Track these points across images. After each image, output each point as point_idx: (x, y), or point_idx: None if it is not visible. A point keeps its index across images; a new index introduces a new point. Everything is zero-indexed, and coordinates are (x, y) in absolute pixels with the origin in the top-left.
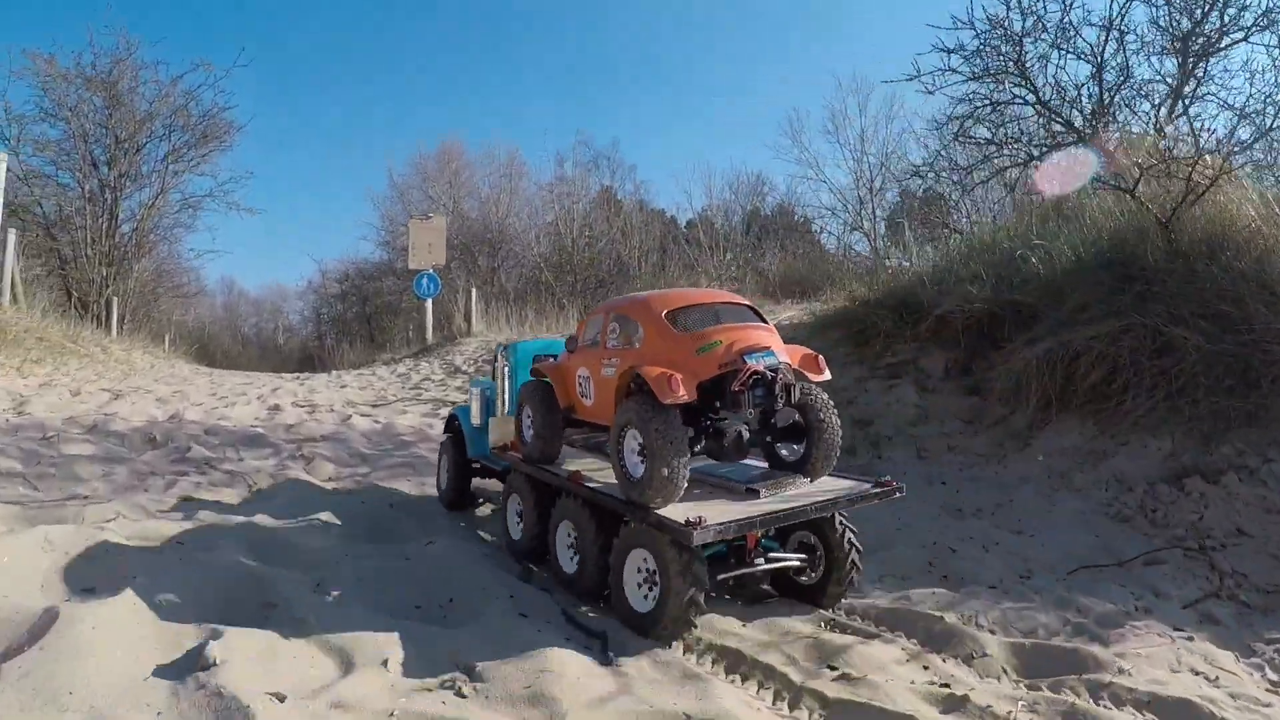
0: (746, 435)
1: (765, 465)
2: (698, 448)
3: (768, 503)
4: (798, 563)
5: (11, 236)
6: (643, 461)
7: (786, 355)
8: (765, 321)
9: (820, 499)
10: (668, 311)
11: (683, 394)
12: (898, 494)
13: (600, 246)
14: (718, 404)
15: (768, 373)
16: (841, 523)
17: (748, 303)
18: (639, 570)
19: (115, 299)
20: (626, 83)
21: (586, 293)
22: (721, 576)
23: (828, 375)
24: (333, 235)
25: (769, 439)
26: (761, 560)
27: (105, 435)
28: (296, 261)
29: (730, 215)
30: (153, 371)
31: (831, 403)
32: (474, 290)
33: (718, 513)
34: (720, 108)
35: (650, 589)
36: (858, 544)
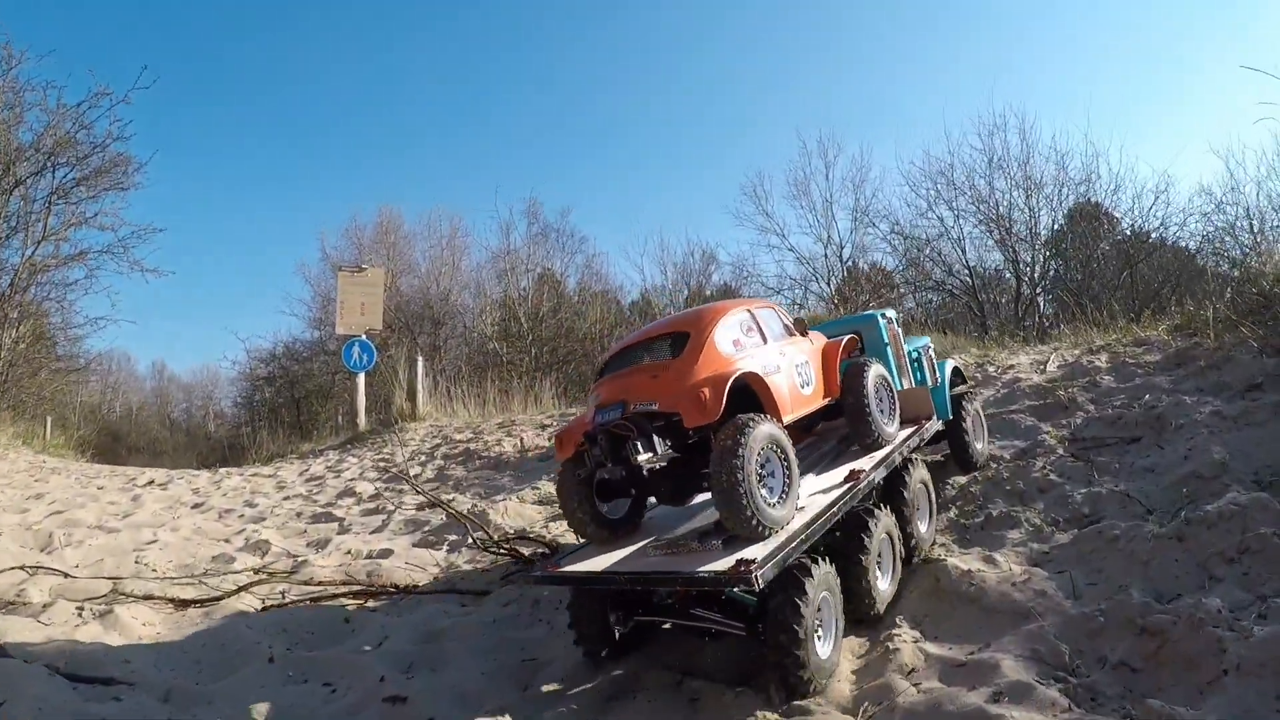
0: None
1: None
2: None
3: (625, 562)
4: (726, 628)
5: None
6: None
7: (662, 399)
8: (676, 349)
9: (640, 570)
10: (604, 360)
11: (563, 455)
12: (739, 585)
13: (557, 320)
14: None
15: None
16: (785, 602)
17: (675, 329)
18: None
19: None
20: (580, 147)
21: (554, 367)
22: (640, 618)
23: (707, 419)
24: (266, 313)
25: (634, 489)
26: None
27: None
28: (229, 343)
29: (677, 294)
30: None
31: (741, 448)
32: (420, 361)
33: (589, 562)
34: (682, 173)
35: None
36: (795, 631)
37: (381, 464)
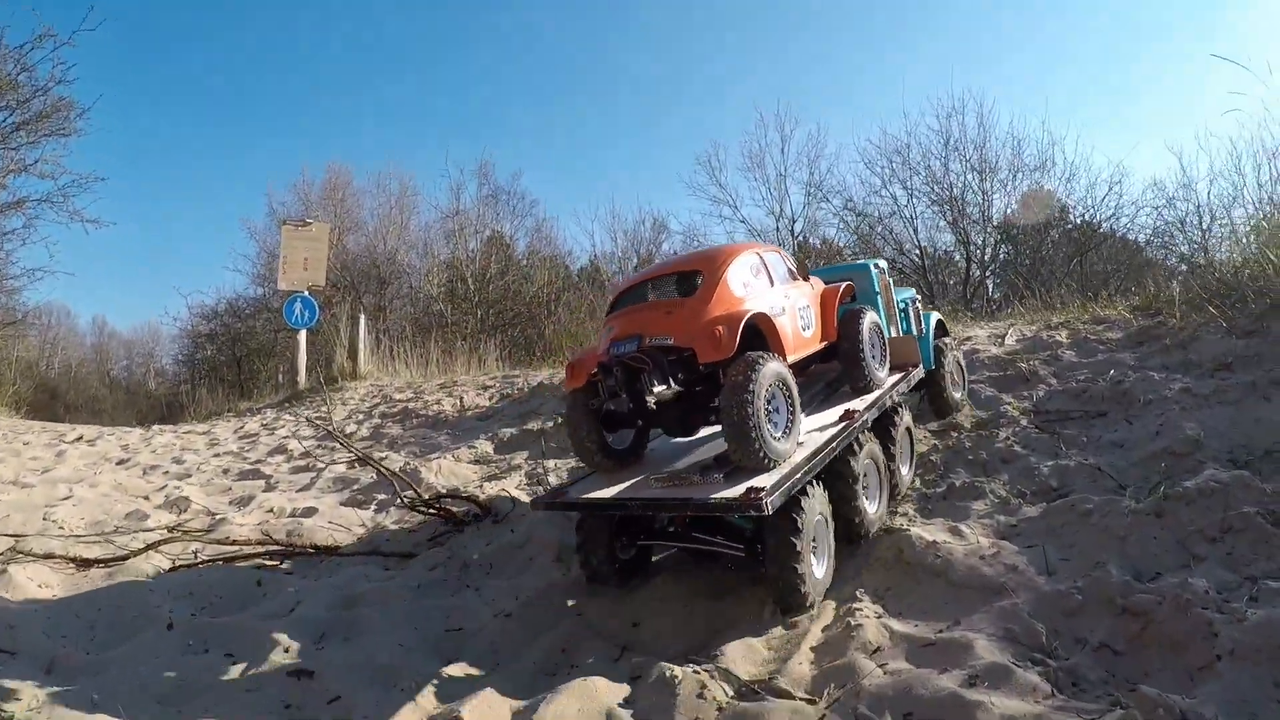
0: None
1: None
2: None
3: (631, 491)
4: (727, 550)
5: None
6: None
7: (677, 335)
8: (689, 286)
9: (655, 496)
10: (616, 295)
11: (573, 384)
12: (751, 511)
13: (504, 282)
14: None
15: (613, 363)
16: (785, 523)
17: (686, 267)
18: None
19: None
20: (536, 110)
21: (500, 329)
22: (642, 542)
23: (721, 355)
24: (210, 269)
25: (640, 420)
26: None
27: None
28: (173, 299)
29: (626, 261)
30: None
31: (751, 384)
32: (363, 317)
33: (595, 492)
34: (637, 140)
35: None
36: (794, 551)
37: (319, 421)
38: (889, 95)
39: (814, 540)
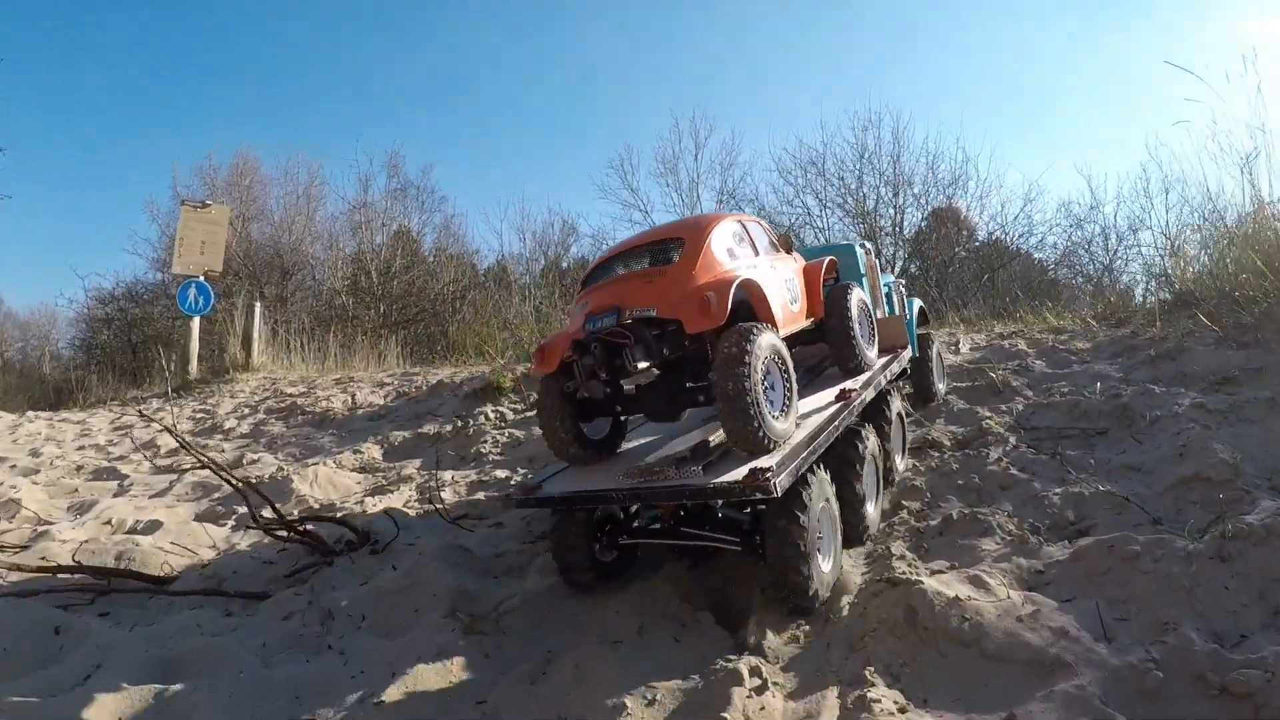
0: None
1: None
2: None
3: (602, 480)
4: (720, 544)
5: None
6: None
7: (661, 305)
8: (671, 255)
9: (639, 487)
10: (589, 271)
11: (545, 369)
12: (756, 494)
13: (409, 278)
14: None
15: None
16: (787, 514)
17: (667, 235)
18: None
19: None
20: (449, 105)
21: (403, 325)
22: (625, 541)
23: (712, 323)
24: (111, 251)
25: (619, 407)
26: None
27: None
28: (70, 280)
29: (534, 263)
30: None
31: (747, 355)
32: (258, 306)
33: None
34: (551, 142)
35: None
36: (798, 544)
37: (201, 415)
38: (808, 108)
39: (819, 533)
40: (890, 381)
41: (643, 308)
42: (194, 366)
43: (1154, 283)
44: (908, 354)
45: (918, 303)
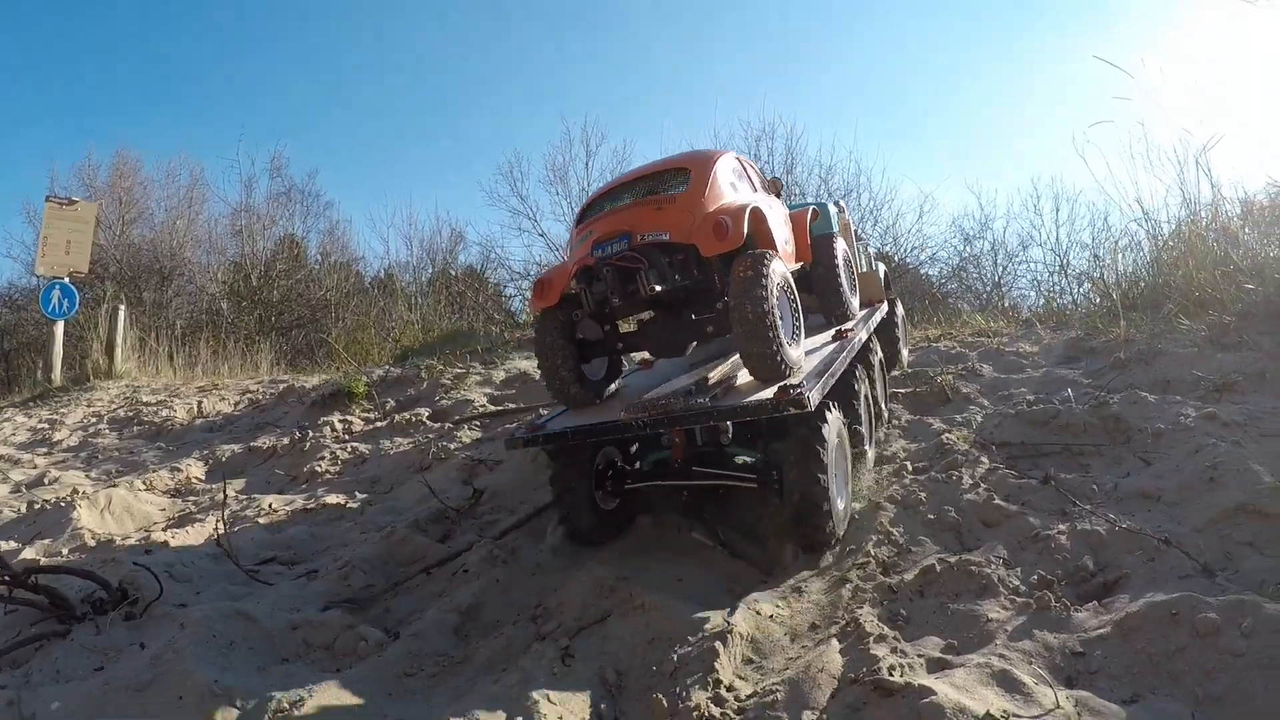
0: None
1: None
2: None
3: (605, 414)
4: (736, 483)
5: None
6: None
7: (674, 230)
8: (678, 184)
9: (668, 412)
10: (585, 205)
11: (545, 303)
12: (790, 409)
13: (289, 284)
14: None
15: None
16: (804, 447)
17: (673, 165)
18: None
19: None
20: (334, 107)
21: (280, 331)
22: (630, 486)
23: (729, 245)
24: None
25: (619, 345)
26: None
27: None
28: None
29: (420, 273)
30: None
31: (763, 279)
32: (122, 310)
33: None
34: (439, 148)
35: None
36: (820, 475)
37: (43, 426)
38: (701, 117)
39: (836, 469)
40: (870, 335)
41: (654, 232)
42: (57, 374)
43: (1089, 286)
44: (884, 309)
45: (883, 266)
